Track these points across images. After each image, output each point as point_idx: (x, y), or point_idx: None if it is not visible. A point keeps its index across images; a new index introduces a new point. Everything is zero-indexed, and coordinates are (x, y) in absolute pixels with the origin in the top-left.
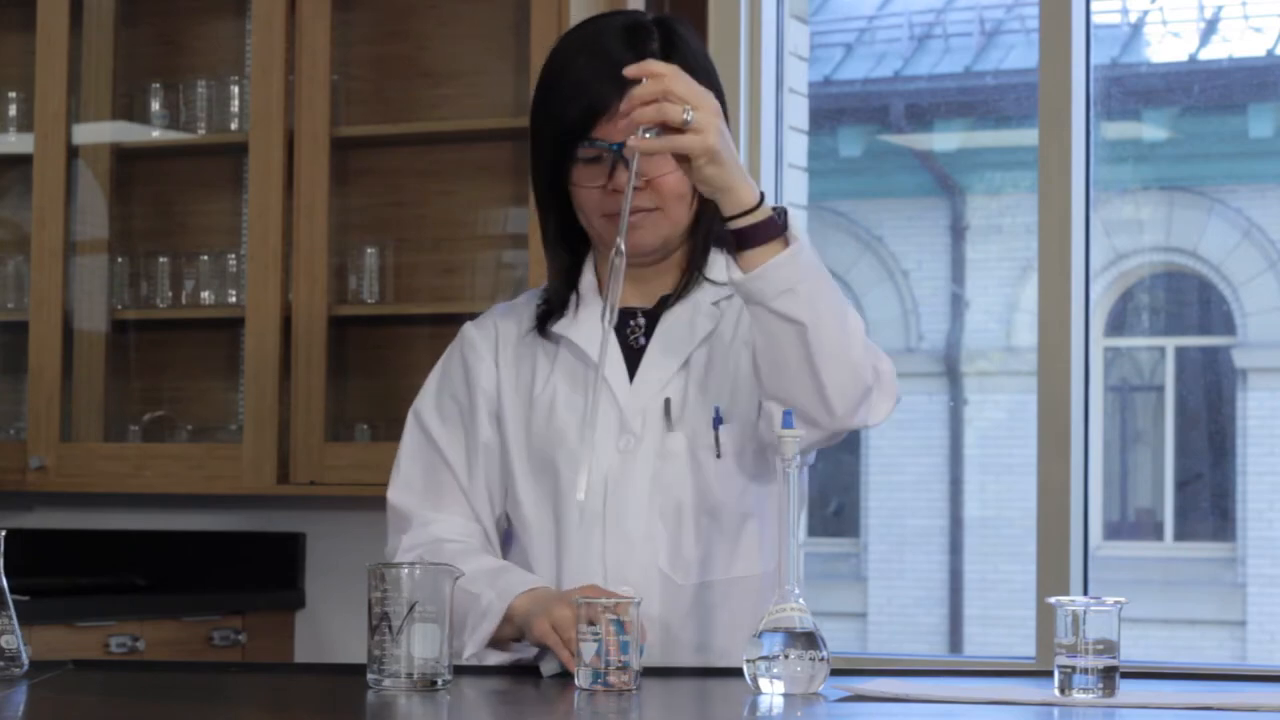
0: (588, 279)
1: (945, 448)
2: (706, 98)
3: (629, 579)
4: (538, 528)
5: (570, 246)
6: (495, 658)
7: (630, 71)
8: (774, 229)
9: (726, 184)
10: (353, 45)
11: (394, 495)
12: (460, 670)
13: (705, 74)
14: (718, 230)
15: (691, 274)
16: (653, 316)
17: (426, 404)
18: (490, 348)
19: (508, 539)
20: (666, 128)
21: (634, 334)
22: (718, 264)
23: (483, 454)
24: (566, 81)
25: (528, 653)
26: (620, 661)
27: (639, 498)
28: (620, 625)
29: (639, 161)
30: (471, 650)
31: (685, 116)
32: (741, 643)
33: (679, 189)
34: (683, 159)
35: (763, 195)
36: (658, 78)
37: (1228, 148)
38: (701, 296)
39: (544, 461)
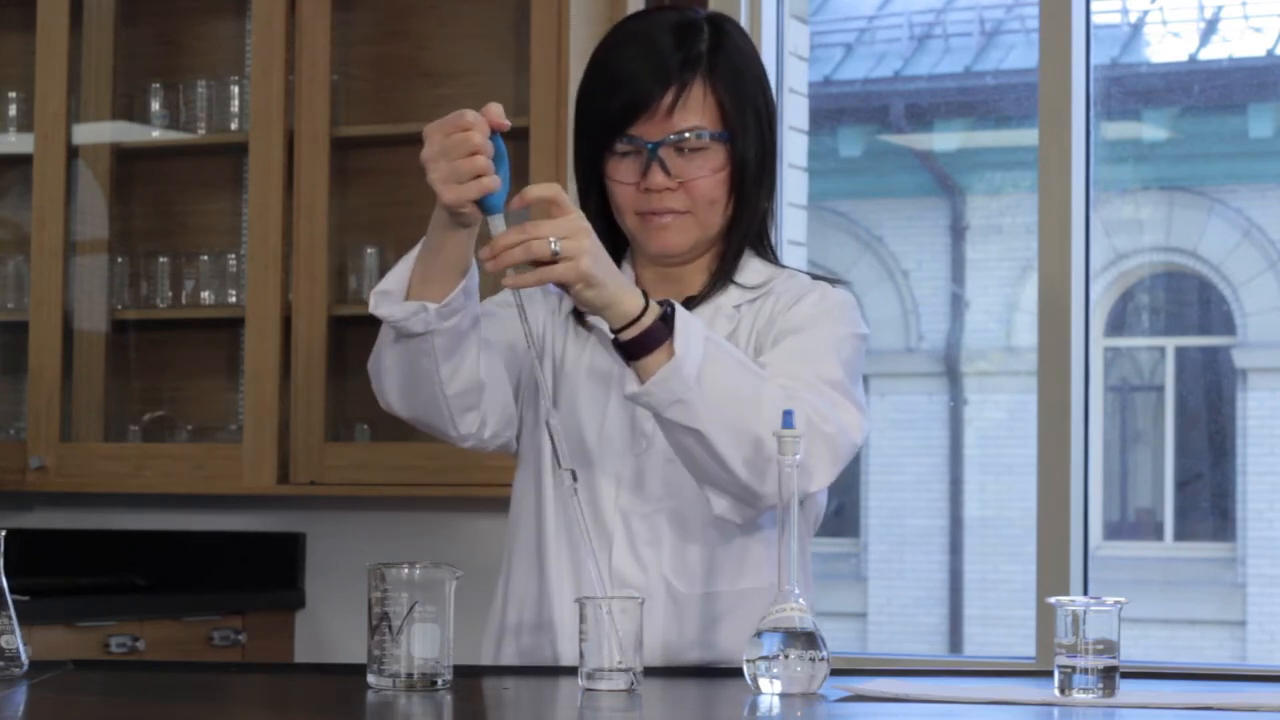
0: (626, 271)
1: (945, 448)
2: (572, 223)
3: (633, 583)
4: (541, 521)
5: (609, 241)
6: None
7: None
8: (660, 336)
9: (606, 303)
10: (353, 45)
11: None
12: (460, 670)
13: (753, 75)
14: (752, 234)
15: (719, 277)
16: None
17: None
18: (546, 303)
19: (511, 531)
20: (538, 262)
21: None
22: (749, 267)
23: (501, 322)
24: (613, 73)
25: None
26: (621, 661)
27: (648, 501)
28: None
29: (673, 164)
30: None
31: (553, 248)
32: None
33: (712, 194)
34: (562, 284)
35: (648, 300)
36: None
37: (1228, 148)
38: (725, 300)
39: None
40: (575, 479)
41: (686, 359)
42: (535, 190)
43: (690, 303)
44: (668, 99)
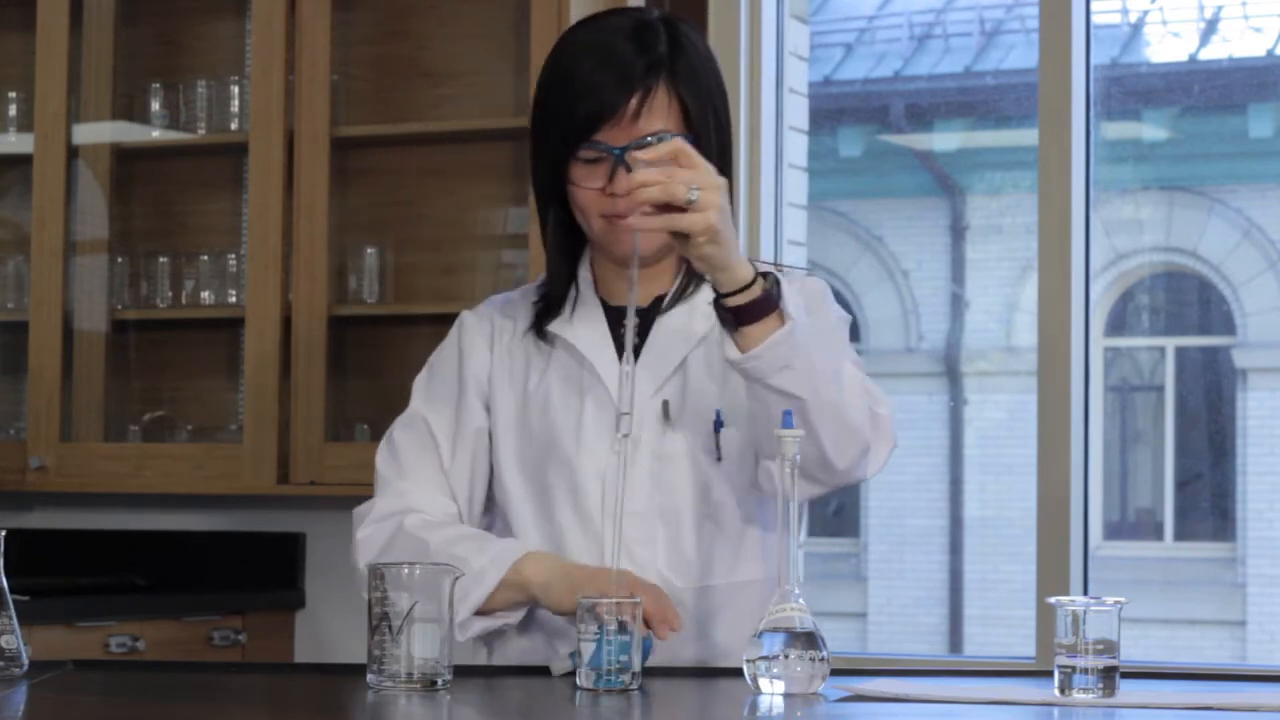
0: (585, 277)
1: (945, 448)
2: (712, 175)
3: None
4: (531, 527)
5: (569, 244)
6: (479, 625)
7: (640, 156)
8: (769, 304)
9: (724, 263)
10: (353, 45)
11: (379, 460)
12: (460, 670)
13: (710, 73)
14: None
15: (690, 274)
16: (648, 316)
17: (420, 382)
18: (486, 338)
19: (500, 531)
20: (669, 206)
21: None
22: None
23: (472, 439)
24: (574, 82)
25: (513, 618)
26: (621, 661)
27: (637, 499)
28: (622, 625)
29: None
30: (458, 618)
31: (690, 196)
32: (743, 645)
33: None
34: (680, 235)
35: (757, 270)
36: (667, 158)
37: (1228, 148)
38: (699, 297)
39: (536, 464)
40: (629, 428)
41: (799, 325)
42: (664, 147)
43: (664, 301)
44: (632, 105)
